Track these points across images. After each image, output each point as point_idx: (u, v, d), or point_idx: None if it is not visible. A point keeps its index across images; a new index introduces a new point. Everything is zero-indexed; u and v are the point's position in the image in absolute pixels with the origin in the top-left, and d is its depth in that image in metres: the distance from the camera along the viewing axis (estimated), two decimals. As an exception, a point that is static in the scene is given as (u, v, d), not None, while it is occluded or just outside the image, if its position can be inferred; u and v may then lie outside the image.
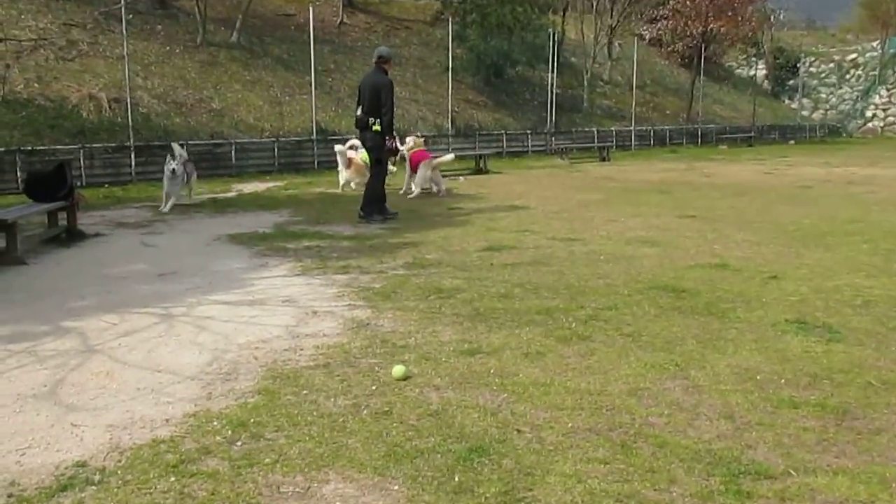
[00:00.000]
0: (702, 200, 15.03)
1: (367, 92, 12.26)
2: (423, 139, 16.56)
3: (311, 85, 22.85)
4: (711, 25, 37.58)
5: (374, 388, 5.07)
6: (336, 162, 17.35)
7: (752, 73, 51.55)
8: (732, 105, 44.41)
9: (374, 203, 12.54)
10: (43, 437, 4.45)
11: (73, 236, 10.90)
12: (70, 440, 4.42)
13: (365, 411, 4.73)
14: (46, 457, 4.24)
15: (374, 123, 12.20)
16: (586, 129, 31.55)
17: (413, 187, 15.69)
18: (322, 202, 14.85)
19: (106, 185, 17.71)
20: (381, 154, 12.43)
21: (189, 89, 22.25)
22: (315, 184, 18.46)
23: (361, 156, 15.32)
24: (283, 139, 21.89)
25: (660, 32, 40.25)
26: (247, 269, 8.87)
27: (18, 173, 16.73)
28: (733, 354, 5.70)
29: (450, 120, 26.81)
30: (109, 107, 19.58)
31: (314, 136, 22.38)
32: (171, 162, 13.69)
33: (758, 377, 5.24)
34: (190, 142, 19.71)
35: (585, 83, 34.45)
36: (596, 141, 30.66)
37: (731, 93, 46.64)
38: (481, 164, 22.18)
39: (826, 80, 52.40)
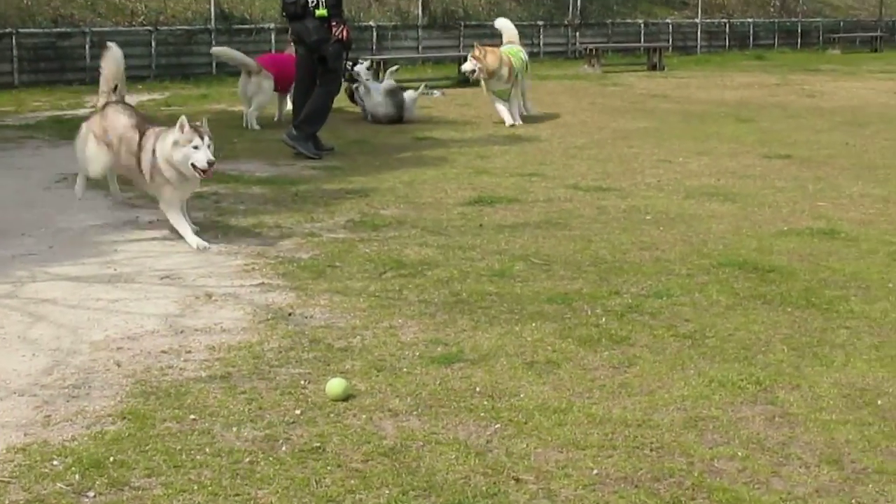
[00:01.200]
0: (801, 133, 15.08)
1: None
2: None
3: (208, -55, 22.71)
4: None
5: (298, 412, 5.07)
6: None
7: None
8: (850, -12, 44.47)
9: (315, 125, 12.55)
10: None
11: None
12: None
13: (284, 448, 4.72)
14: None
15: (315, 5, 12.23)
16: (628, 22, 31.58)
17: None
18: (223, 126, 14.78)
19: None
20: (328, 50, 12.33)
21: (20, -52, 21.99)
22: (212, 97, 18.38)
23: (513, 53, 15.80)
24: (165, 28, 21.76)
25: None
26: (106, 227, 8.83)
27: None
28: (843, 367, 5.73)
29: (419, 4, 26.72)
30: None
31: (212, 25, 22.26)
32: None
33: (879, 402, 5.27)
34: (21, 29, 19.54)
35: (628, -50, 34.40)
36: (642, 40, 30.69)
37: (849, -31, 46.67)
38: (468, 72, 22.15)
39: None
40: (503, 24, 17.26)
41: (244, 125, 14.84)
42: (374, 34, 25.10)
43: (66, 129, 14.30)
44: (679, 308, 6.67)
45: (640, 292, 6.99)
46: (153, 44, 21.25)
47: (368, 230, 8.68)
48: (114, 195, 9.53)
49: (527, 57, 16.33)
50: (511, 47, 16.08)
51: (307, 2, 12.19)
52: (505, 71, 15.41)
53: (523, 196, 10.13)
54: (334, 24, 12.18)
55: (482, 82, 15.76)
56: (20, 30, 19.48)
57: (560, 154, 12.75)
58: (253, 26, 22.49)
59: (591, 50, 26.50)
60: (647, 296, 6.91)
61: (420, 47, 25.24)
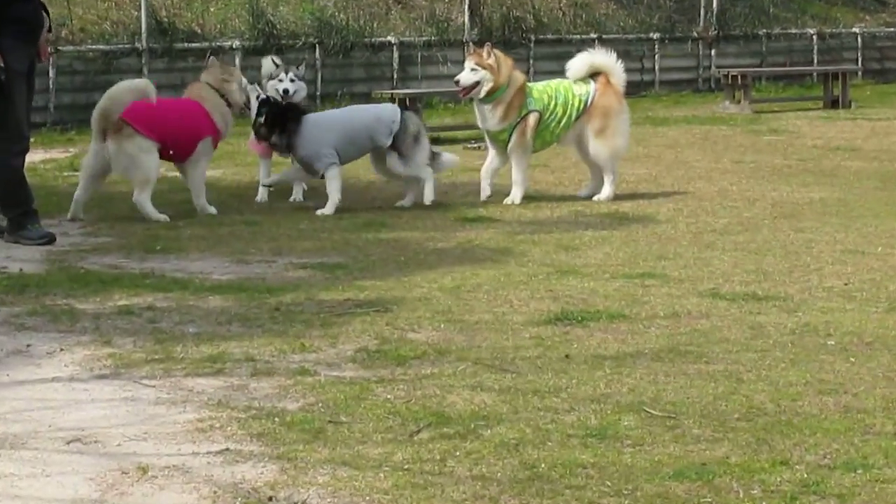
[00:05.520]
0: None
1: None
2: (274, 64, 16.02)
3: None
4: None
5: None
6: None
7: None
8: None
9: (22, 202, 13.10)
10: None
11: None
12: None
13: None
14: None
15: None
16: (792, 32, 31.64)
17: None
18: (165, 202, 14.90)
19: None
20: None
21: None
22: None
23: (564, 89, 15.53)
24: (71, 49, 21.99)
25: None
26: (-17, 361, 8.88)
27: None
28: None
29: (465, 8, 26.95)
30: None
31: (143, 42, 22.50)
32: None
33: None
34: None
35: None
36: (816, 60, 30.71)
37: None
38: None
39: None
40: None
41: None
42: (396, 55, 25.31)
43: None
44: (884, 487, 6.64)
45: (822, 462, 6.96)
46: (50, 73, 21.49)
47: (391, 365, 8.70)
48: None
49: (587, 98, 15.74)
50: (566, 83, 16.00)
51: None
52: (506, 99, 15.47)
53: (633, 310, 10.14)
54: None
55: (477, 109, 16.01)
56: None
57: (689, 242, 12.79)
58: (207, 45, 22.75)
59: (734, 77, 26.44)
60: (833, 467, 6.87)
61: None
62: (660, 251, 12.38)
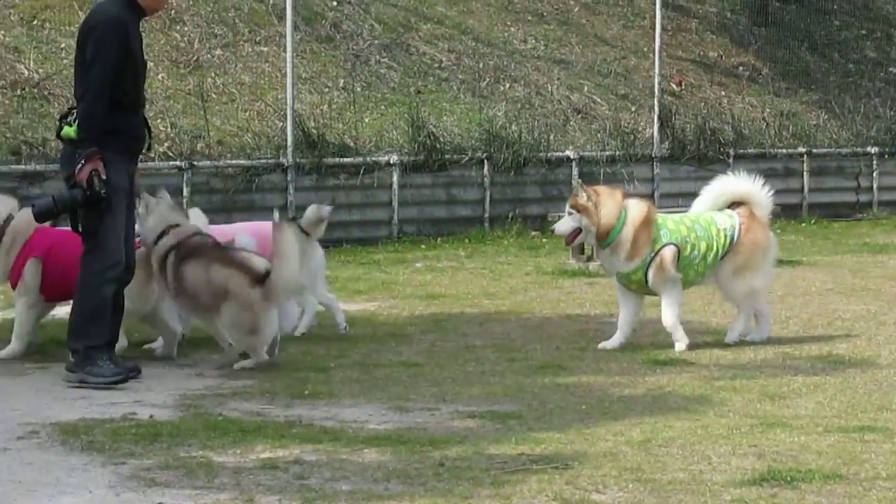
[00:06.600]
0: None
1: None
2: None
3: (284, 43, 23.33)
4: None
5: None
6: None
7: None
8: None
9: (89, 335, 13.13)
10: None
11: None
12: None
13: None
14: None
15: (67, 119, 13.16)
16: None
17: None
18: (312, 339, 14.97)
19: None
20: (77, 197, 12.98)
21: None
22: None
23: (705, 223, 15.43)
24: (209, 165, 22.19)
25: None
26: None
27: None
28: None
29: (655, 119, 26.96)
30: None
31: (289, 159, 22.69)
32: None
33: None
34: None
35: None
36: None
37: None
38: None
39: None
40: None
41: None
42: (575, 171, 25.24)
43: (49, 343, 14.65)
44: None
45: None
46: (185, 191, 21.66)
47: (577, 535, 8.67)
48: None
49: (733, 233, 15.45)
50: (709, 215, 15.76)
51: (66, 113, 13.32)
52: (626, 238, 15.12)
53: (851, 469, 10.03)
54: (80, 150, 12.93)
55: (597, 255, 16.14)
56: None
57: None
58: (361, 160, 22.92)
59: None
60: None
61: (656, 193, 25.39)
62: (881, 401, 12.26)
